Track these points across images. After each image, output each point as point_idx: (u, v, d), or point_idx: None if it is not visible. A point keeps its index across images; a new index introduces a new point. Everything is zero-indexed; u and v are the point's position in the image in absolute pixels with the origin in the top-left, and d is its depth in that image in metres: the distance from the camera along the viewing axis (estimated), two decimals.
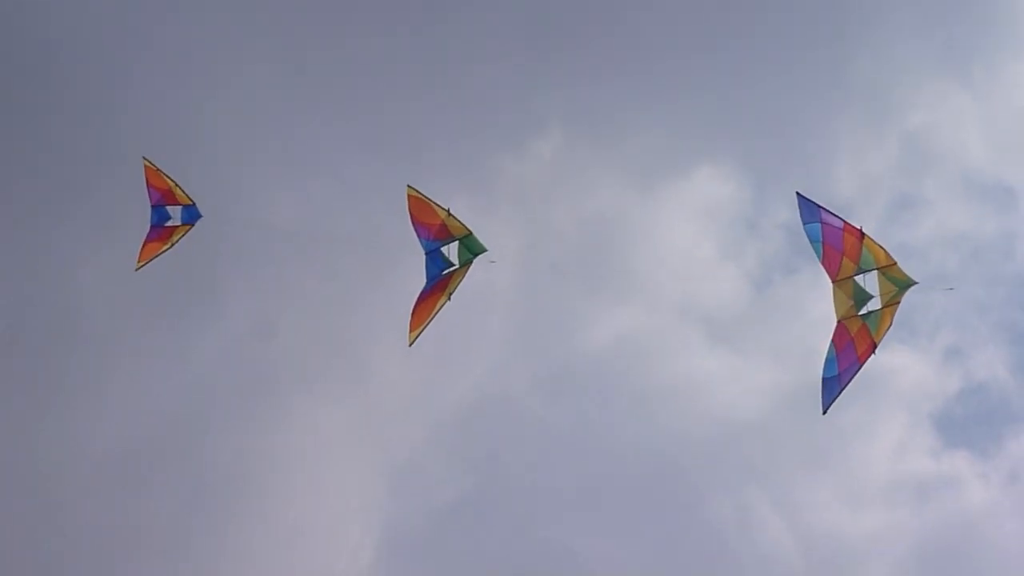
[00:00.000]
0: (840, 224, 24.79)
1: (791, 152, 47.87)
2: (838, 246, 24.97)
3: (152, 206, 33.79)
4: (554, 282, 44.56)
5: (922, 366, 44.39)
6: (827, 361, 25.33)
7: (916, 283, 24.58)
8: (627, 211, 47.11)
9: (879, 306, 24.79)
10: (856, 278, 24.99)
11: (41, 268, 44.32)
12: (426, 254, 30.19)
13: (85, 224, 44.10)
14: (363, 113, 47.48)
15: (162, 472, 41.63)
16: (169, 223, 33.73)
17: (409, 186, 30.26)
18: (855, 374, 24.99)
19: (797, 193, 25.34)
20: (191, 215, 33.72)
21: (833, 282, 25.30)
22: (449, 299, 29.75)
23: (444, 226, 29.81)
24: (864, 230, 24.68)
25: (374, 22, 48.95)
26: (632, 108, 47.80)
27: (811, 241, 25.38)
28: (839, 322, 25.25)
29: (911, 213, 46.77)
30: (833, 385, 25.21)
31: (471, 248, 29.71)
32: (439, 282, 29.97)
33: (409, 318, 30.05)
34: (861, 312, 25.03)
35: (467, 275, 29.81)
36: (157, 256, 33.84)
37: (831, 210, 24.86)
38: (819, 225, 25.11)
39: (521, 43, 48.60)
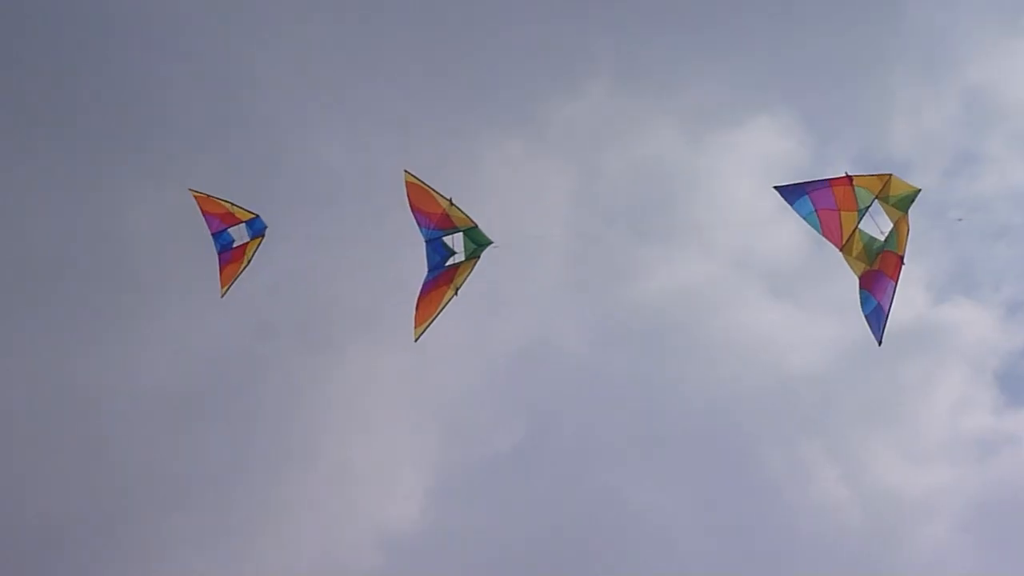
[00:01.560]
0: (826, 184, 24.14)
1: (849, 106, 47.00)
2: (831, 205, 24.26)
3: (213, 234, 32.40)
4: (608, 229, 44.26)
5: (985, 320, 43.79)
6: (862, 301, 24.77)
7: (920, 190, 23.71)
8: (682, 160, 46.47)
9: (890, 226, 24.05)
10: (861, 228, 24.26)
11: (94, 204, 43.54)
12: (426, 242, 28.70)
13: (139, 162, 43.76)
14: (412, 58, 46.89)
15: (213, 412, 41.45)
16: (236, 244, 32.31)
17: (407, 171, 28.64)
18: (894, 294, 24.28)
19: (775, 187, 24.65)
20: (257, 228, 32.25)
21: (840, 249, 24.57)
22: (456, 294, 28.28)
23: (446, 216, 28.35)
24: (848, 173, 23.96)
25: None
26: (688, 57, 47.05)
27: (805, 218, 24.63)
28: (860, 276, 24.72)
29: (973, 168, 45.99)
30: (878, 315, 24.54)
31: (476, 240, 28.31)
32: (443, 273, 28.45)
33: (414, 311, 28.56)
34: (876, 246, 24.38)
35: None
36: (238, 276, 32.33)
37: (811, 180, 24.21)
38: (806, 197, 24.43)
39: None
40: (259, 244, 32.30)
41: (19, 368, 41.17)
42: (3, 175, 43.58)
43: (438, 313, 28.40)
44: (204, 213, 32.44)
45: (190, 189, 32.55)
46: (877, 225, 24.32)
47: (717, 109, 46.26)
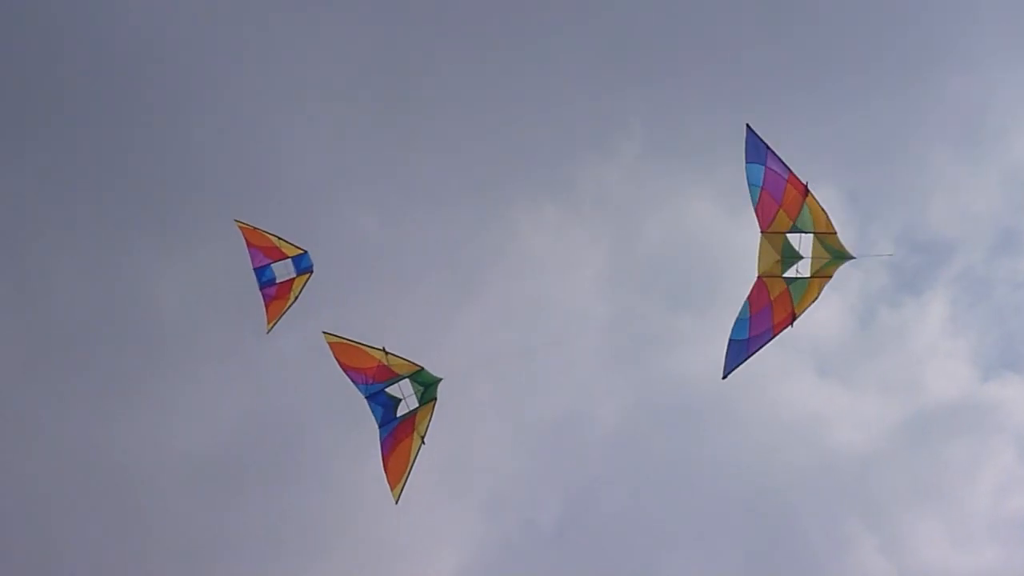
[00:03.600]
0: (785, 174, 22.85)
1: (890, 182, 46.90)
2: (777, 196, 23.03)
3: (256, 268, 32.02)
4: (648, 302, 43.95)
5: None
6: (738, 321, 23.53)
7: (853, 257, 22.87)
8: (720, 233, 46.30)
9: (808, 273, 23.06)
10: (789, 236, 23.15)
11: (123, 272, 44.04)
12: (366, 398, 26.98)
13: (168, 231, 43.98)
14: (446, 125, 46.86)
15: (246, 479, 40.75)
16: (280, 279, 31.94)
17: (325, 332, 27.27)
18: (766, 343, 23.40)
19: (747, 126, 23.38)
20: (304, 265, 31.96)
21: (763, 232, 23.38)
22: (424, 442, 26.74)
23: (383, 367, 26.70)
24: (809, 187, 22.80)
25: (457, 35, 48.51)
26: (726, 130, 47.00)
27: (749, 184, 23.44)
28: (759, 278, 23.43)
29: (1018, 245, 45.82)
30: (741, 349, 23.50)
31: (425, 381, 26.80)
32: (400, 425, 26.70)
33: (385, 474, 26.99)
34: (787, 274, 23.23)
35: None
36: (284, 312, 31.94)
37: (779, 156, 22.95)
38: (762, 168, 23.15)
39: (621, 69, 48.03)
40: (306, 281, 31.92)
41: (52, 435, 40.98)
42: (33, 246, 43.74)
43: (411, 466, 26.95)
44: (249, 246, 31.92)
45: (236, 220, 32.17)
46: (800, 253, 23.30)
47: None
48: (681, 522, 40.54)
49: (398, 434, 26.92)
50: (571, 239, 46.01)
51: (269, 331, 32.04)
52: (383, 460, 27.02)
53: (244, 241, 32.01)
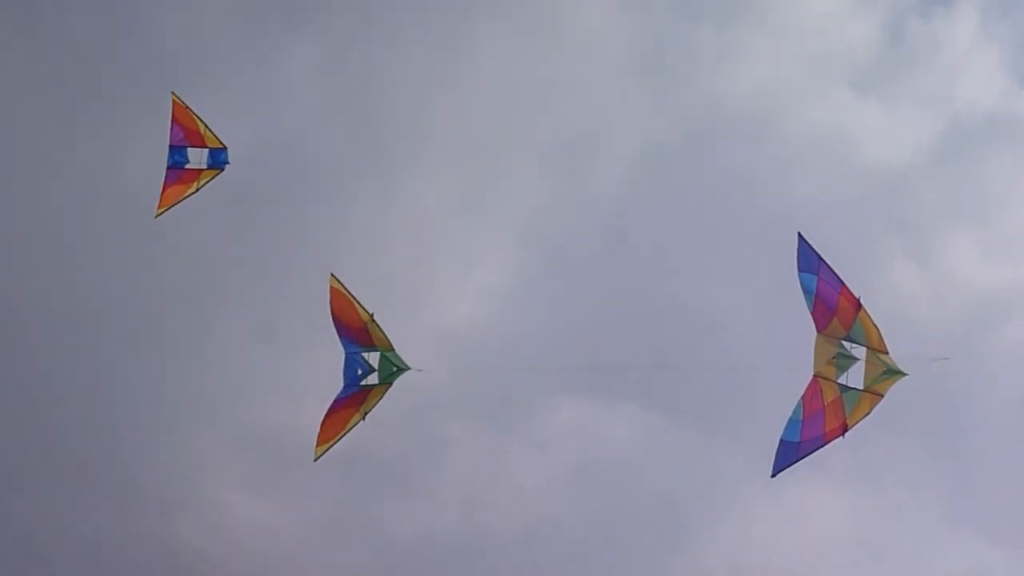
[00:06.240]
0: (838, 287, 21.98)
1: None
2: (831, 305, 22.25)
3: (171, 146, 31.27)
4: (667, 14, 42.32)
5: None
6: (791, 422, 22.90)
7: (906, 375, 21.89)
8: None
9: (861, 386, 22.25)
10: (843, 342, 22.34)
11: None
12: (346, 355, 26.26)
13: None
14: None
15: (260, 204, 38.44)
16: (188, 166, 31.32)
17: (333, 275, 26.07)
18: (817, 449, 22.70)
19: (799, 235, 22.15)
20: (219, 160, 31.28)
21: (819, 333, 22.52)
22: (363, 419, 26.15)
23: (366, 332, 26.04)
24: (862, 302, 21.58)
25: None
26: None
27: (804, 291, 22.55)
28: (815, 378, 22.68)
29: None
30: (791, 452, 22.86)
31: (392, 363, 26.03)
32: (356, 394, 26.17)
33: (319, 428, 26.31)
34: (841, 380, 22.44)
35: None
36: (180, 201, 31.43)
37: (831, 266, 21.75)
38: (815, 278, 22.25)
39: None
40: (214, 176, 31.43)
41: (64, 164, 39.29)
42: None
43: (342, 436, 26.33)
44: (174, 121, 31.34)
45: (173, 93, 31.46)
46: (855, 356, 22.41)
47: None
48: (713, 245, 39.88)
49: (350, 401, 26.37)
50: None
51: (158, 216, 31.57)
52: (325, 415, 26.49)
53: (170, 114, 31.32)
